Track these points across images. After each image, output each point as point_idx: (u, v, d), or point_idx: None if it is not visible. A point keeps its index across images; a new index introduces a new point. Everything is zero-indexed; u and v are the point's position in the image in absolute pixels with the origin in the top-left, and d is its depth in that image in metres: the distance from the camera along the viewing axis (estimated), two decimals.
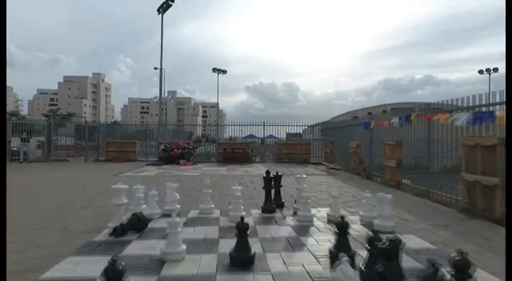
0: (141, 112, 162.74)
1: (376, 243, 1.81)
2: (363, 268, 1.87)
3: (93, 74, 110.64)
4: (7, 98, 73.94)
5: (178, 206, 3.77)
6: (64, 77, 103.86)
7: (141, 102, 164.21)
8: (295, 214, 3.77)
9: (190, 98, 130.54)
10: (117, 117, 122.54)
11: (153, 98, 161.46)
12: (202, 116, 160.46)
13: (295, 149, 14.84)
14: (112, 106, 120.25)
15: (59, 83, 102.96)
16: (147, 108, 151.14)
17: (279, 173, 4.19)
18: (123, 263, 1.56)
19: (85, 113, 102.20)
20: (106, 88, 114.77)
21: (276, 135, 18.63)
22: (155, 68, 67.04)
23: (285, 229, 3.20)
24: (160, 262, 2.26)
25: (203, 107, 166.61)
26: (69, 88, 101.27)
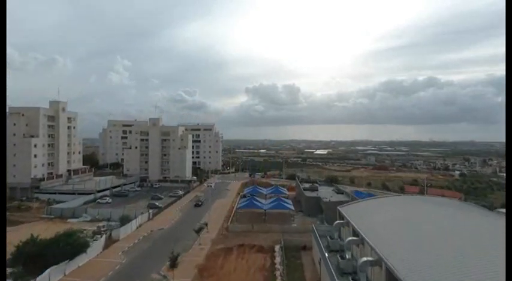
0: (122, 137, 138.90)
1: None
2: None
3: (50, 102, 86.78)
4: None
5: None
6: (9, 108, 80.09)
7: (123, 125, 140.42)
8: None
9: (177, 127, 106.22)
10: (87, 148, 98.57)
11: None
12: (194, 141, 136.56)
13: None
14: (79, 140, 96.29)
15: None
16: (130, 132, 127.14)
17: None
18: None
19: (35, 156, 78.44)
20: (69, 119, 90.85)
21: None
22: None
23: None
24: None
25: (196, 130, 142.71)
26: (14, 124, 77.47)
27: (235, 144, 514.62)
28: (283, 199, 58.23)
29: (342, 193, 65.69)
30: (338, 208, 42.85)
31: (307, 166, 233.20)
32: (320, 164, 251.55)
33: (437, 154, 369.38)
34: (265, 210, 54.60)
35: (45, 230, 49.56)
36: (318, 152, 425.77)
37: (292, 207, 55.16)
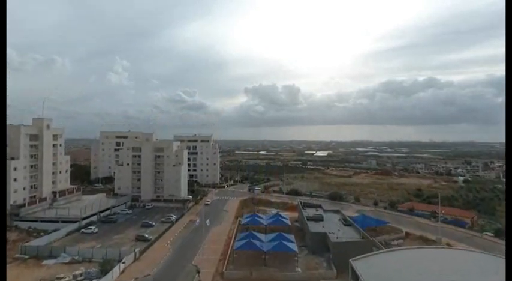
0: (115, 149, 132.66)
1: None
2: None
3: (33, 120, 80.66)
4: None
5: None
6: None
7: (116, 137, 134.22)
8: None
9: (171, 142, 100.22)
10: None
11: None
12: (191, 153, 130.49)
13: None
14: (65, 158, 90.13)
15: None
16: (123, 144, 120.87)
17: None
18: None
19: (15, 179, 72.38)
20: (54, 136, 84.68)
21: None
22: None
23: None
24: None
25: (193, 141, 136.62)
26: None
27: (235, 145, 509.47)
28: (285, 235, 52.10)
29: (350, 225, 59.79)
30: (350, 261, 36.89)
31: (308, 170, 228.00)
32: (321, 168, 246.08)
33: (437, 156, 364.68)
34: (265, 252, 48.63)
35: (15, 280, 43.77)
36: (318, 153, 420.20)
37: (295, 248, 49.07)
